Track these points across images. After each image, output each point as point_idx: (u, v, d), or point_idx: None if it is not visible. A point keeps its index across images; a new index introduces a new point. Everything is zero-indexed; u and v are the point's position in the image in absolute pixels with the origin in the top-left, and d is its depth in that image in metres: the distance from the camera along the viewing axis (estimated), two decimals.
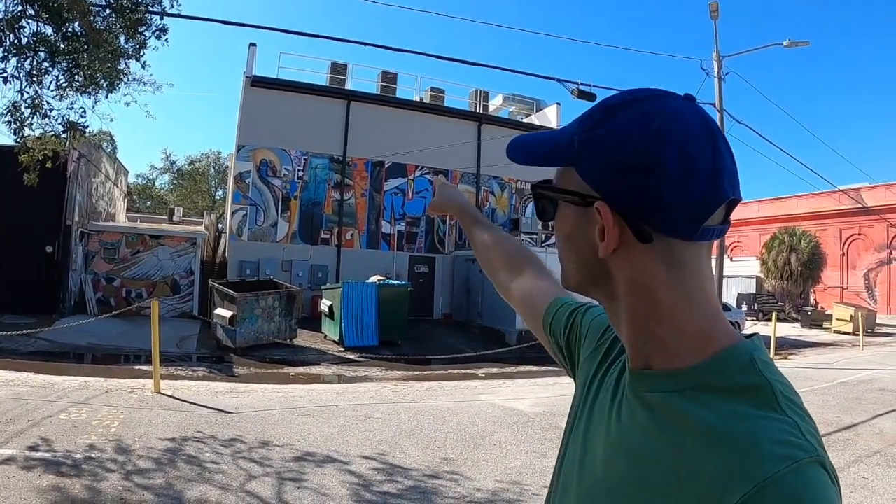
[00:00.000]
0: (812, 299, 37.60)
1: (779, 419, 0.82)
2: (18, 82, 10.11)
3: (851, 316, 27.10)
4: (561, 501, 1.10)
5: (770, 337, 17.17)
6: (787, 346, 22.41)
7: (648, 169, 0.88)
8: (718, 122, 19.39)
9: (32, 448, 6.71)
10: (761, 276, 36.47)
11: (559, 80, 18.74)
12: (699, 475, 0.81)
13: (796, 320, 32.36)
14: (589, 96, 18.18)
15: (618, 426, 0.98)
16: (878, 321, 30.85)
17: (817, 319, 31.04)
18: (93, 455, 6.60)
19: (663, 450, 0.88)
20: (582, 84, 18.60)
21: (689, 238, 0.90)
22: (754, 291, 36.88)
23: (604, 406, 1.05)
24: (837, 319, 28.60)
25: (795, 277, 33.75)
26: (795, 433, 0.80)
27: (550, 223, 1.07)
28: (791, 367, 16.26)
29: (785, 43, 20.99)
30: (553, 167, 1.04)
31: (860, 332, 23.05)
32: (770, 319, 18.66)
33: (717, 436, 0.82)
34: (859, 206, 35.88)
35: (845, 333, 27.12)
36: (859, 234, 40.00)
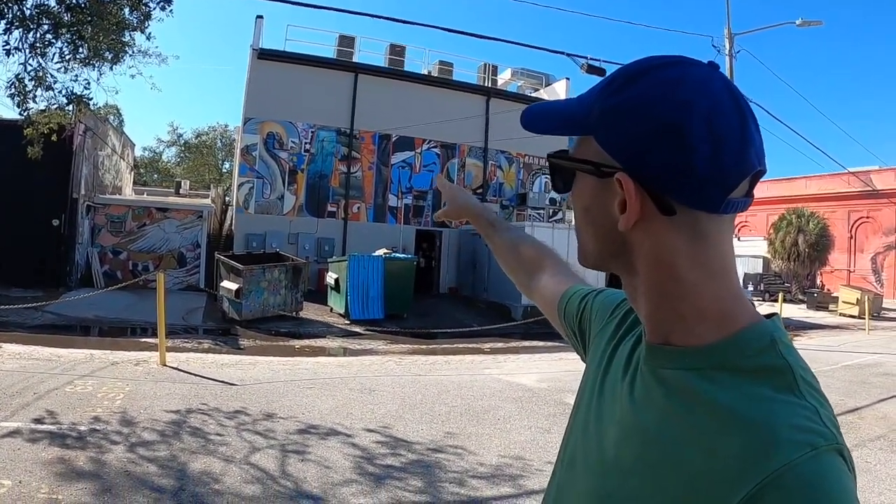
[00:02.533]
0: (819, 281, 37.42)
1: (798, 404, 0.80)
2: (22, 55, 10.09)
3: (858, 299, 26.98)
4: (568, 477, 1.08)
5: None
6: (793, 327, 22.34)
7: (674, 139, 0.85)
8: None
9: (38, 420, 6.74)
10: (768, 256, 36.25)
11: (569, 55, 18.65)
12: (715, 457, 0.79)
13: (802, 302, 32.25)
14: (599, 71, 18.04)
15: (630, 403, 0.96)
16: (884, 305, 30.70)
17: (823, 301, 30.91)
18: (98, 427, 6.63)
19: (679, 429, 0.86)
20: (592, 59, 18.49)
21: (715, 211, 0.87)
22: (761, 272, 36.73)
23: (615, 382, 1.03)
24: (844, 302, 28.49)
25: (803, 259, 33.52)
26: (815, 419, 0.79)
27: (562, 195, 1.06)
28: (796, 349, 16.23)
29: (798, 22, 20.76)
30: (572, 136, 1.00)
31: (866, 316, 22.97)
32: (776, 300, 18.61)
33: (734, 418, 0.80)
34: (868, 188, 35.71)
35: (851, 316, 26.99)
36: (867, 217, 39.73)
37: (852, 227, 40.42)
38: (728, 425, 0.80)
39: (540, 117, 1.02)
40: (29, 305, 14.05)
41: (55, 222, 20.51)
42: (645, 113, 0.87)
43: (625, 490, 0.90)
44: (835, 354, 15.36)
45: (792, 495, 0.71)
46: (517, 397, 9.31)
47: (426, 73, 30.30)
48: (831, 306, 29.84)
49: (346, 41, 28.38)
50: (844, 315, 27.64)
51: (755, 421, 0.79)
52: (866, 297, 25.07)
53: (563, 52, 18.57)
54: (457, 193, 1.88)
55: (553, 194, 29.26)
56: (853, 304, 27.27)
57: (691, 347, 0.90)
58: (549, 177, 1.06)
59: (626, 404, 0.97)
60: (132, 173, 35.34)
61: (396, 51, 29.31)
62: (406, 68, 29.46)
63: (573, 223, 1.04)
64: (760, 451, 0.75)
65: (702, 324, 0.90)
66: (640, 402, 0.95)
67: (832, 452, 0.76)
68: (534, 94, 32.90)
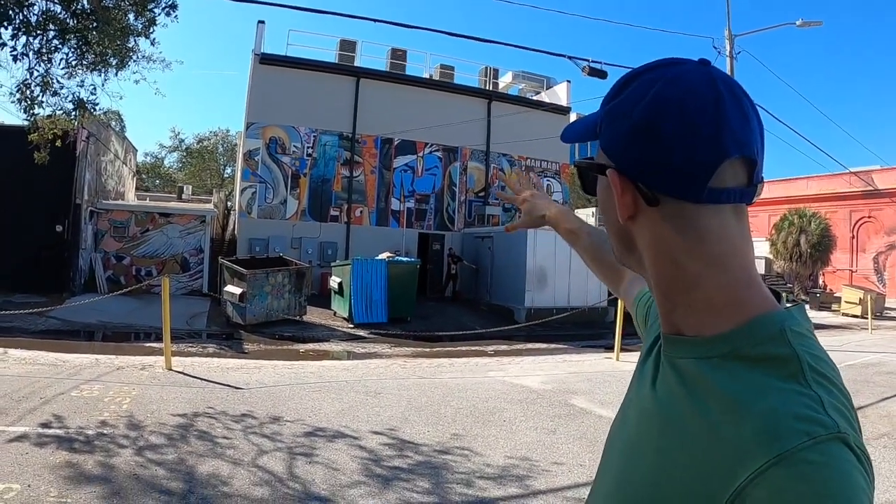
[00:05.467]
0: (821, 281, 37.38)
1: (801, 392, 0.81)
2: (28, 60, 10.10)
3: (860, 299, 26.94)
4: (602, 464, 1.12)
5: None
6: None
7: (648, 132, 0.91)
8: None
9: (45, 425, 6.75)
10: (770, 257, 36.24)
11: (570, 58, 18.59)
12: (719, 445, 0.81)
13: (805, 302, 32.20)
14: (600, 74, 18.04)
15: (652, 392, 1.00)
16: (887, 304, 30.68)
17: (826, 301, 30.89)
18: (105, 431, 6.64)
19: (688, 417, 0.88)
20: (593, 61, 18.46)
21: (697, 199, 0.90)
22: (763, 272, 36.69)
23: (647, 373, 1.06)
24: (846, 302, 28.45)
25: (805, 259, 33.47)
26: (817, 408, 0.79)
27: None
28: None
29: (798, 22, 20.75)
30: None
31: (869, 315, 22.93)
32: None
33: (738, 406, 0.82)
34: (870, 188, 35.63)
35: (854, 316, 26.94)
36: (869, 217, 39.64)
37: (854, 226, 40.32)
38: (732, 413, 0.82)
39: (572, 129, 1.15)
40: (33, 311, 14.09)
41: (58, 228, 20.52)
42: (627, 112, 0.94)
43: (640, 474, 0.94)
44: (838, 354, 15.27)
45: (786, 484, 0.72)
46: (522, 399, 9.31)
47: (427, 76, 30.35)
48: (834, 306, 29.82)
49: (348, 45, 28.42)
50: (847, 315, 27.60)
51: (756, 410, 0.80)
52: (869, 297, 25.02)
53: (564, 55, 18.47)
54: (534, 206, 1.84)
55: (555, 196, 29.30)
56: (856, 303, 27.23)
57: (702, 337, 0.92)
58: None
59: (648, 393, 1.01)
60: (134, 179, 35.34)
61: (398, 55, 29.36)
62: (407, 72, 29.56)
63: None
64: (759, 439, 0.76)
65: (710, 314, 0.93)
66: (660, 390, 0.98)
67: (834, 441, 0.75)
68: (535, 97, 32.93)
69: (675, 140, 0.89)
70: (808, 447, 0.74)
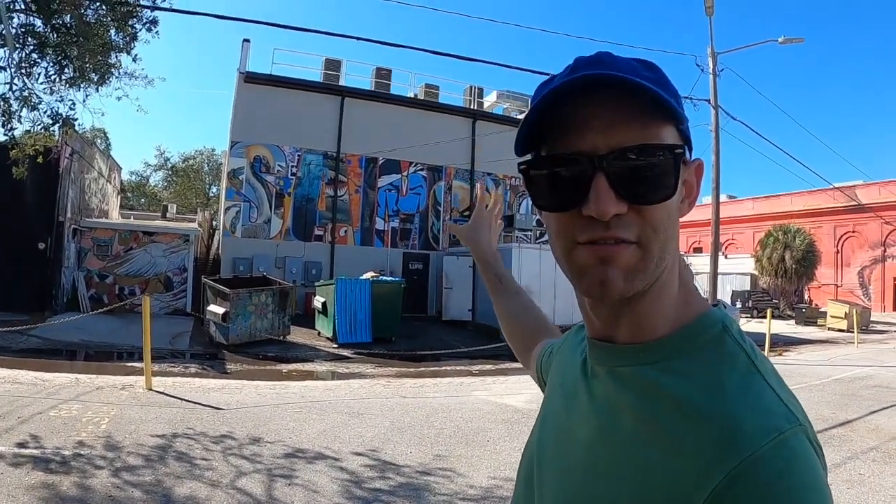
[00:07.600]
0: (806, 296, 37.64)
1: (758, 388, 0.80)
2: (7, 74, 10.05)
3: (846, 313, 27.10)
4: (526, 493, 1.06)
5: (765, 334, 17.18)
6: (782, 342, 22.36)
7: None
8: (713, 119, 19.39)
9: (21, 445, 6.65)
10: (756, 273, 36.45)
11: (554, 76, 18.65)
12: (680, 452, 0.78)
13: (791, 317, 32.35)
14: None
15: (591, 407, 0.95)
16: (872, 318, 30.91)
17: (812, 316, 31.03)
18: (82, 452, 6.55)
19: (639, 427, 0.84)
20: None
21: None
22: (749, 289, 36.88)
23: (573, 393, 1.01)
24: (832, 316, 28.59)
25: (790, 275, 33.70)
26: (776, 402, 0.78)
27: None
28: (786, 364, 16.25)
29: (780, 40, 20.97)
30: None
31: (855, 330, 23.07)
32: (765, 317, 18.64)
33: (696, 410, 0.79)
34: (854, 203, 36.00)
35: (840, 331, 27.09)
36: (853, 232, 40.13)
37: (838, 241, 40.75)
38: (690, 417, 0.79)
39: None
40: (14, 329, 13.93)
41: (41, 245, 20.36)
42: (679, 100, 0.90)
43: (588, 492, 0.88)
44: (825, 368, 15.38)
45: (762, 483, 0.70)
46: (506, 419, 9.25)
47: (412, 95, 30.42)
48: (819, 321, 29.96)
49: (333, 64, 28.49)
50: (833, 329, 27.73)
51: (717, 411, 0.78)
52: (854, 311, 25.18)
53: (547, 74, 18.48)
54: (471, 233, 1.83)
55: (536, 218, 29.39)
56: (841, 318, 27.40)
57: (646, 342, 0.89)
58: (644, 183, 0.83)
59: (585, 410, 0.96)
60: (119, 197, 35.22)
61: (382, 74, 29.44)
62: (392, 91, 29.59)
63: (645, 238, 0.85)
64: (726, 441, 0.74)
65: (662, 312, 0.89)
66: (601, 404, 0.93)
67: (798, 434, 0.75)
68: (520, 116, 33.01)
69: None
70: (780, 443, 0.73)
